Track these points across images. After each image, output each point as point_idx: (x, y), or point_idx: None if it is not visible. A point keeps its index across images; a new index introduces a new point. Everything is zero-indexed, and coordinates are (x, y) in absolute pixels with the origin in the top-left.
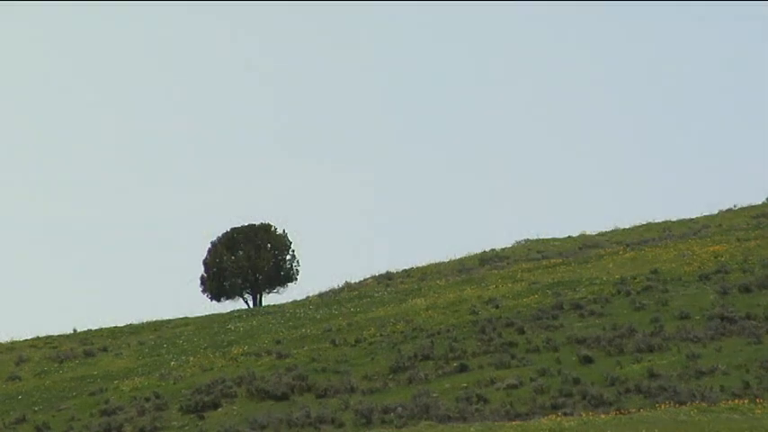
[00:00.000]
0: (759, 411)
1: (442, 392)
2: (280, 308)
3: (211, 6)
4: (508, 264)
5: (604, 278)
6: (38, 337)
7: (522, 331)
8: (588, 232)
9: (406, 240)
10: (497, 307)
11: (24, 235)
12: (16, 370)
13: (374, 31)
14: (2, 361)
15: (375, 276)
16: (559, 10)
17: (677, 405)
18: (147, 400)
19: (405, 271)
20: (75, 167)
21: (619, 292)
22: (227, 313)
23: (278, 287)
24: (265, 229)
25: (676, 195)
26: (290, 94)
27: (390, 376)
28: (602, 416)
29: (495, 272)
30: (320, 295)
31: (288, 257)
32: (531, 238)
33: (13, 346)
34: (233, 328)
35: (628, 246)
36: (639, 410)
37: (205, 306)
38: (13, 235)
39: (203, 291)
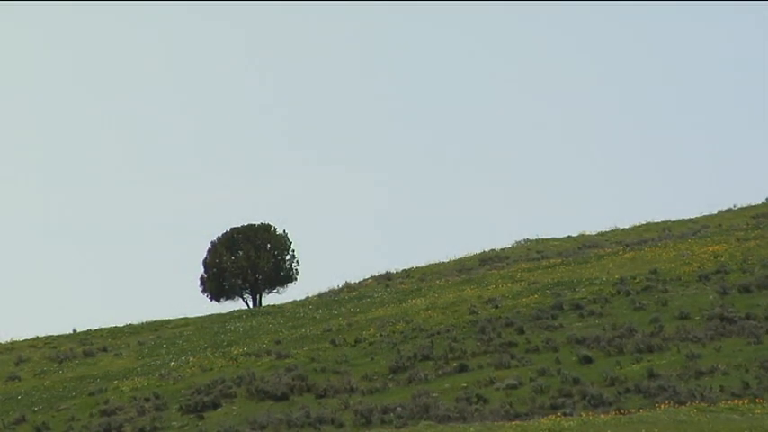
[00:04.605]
0: (759, 411)
1: (441, 392)
2: (279, 308)
3: (213, 6)
4: (508, 264)
5: (604, 278)
6: (37, 337)
7: (521, 331)
8: (588, 232)
9: (405, 240)
10: (497, 307)
11: (24, 235)
12: (16, 370)
13: (375, 32)
14: (2, 361)
15: (375, 276)
16: (560, 10)
17: (677, 405)
18: (147, 400)
19: (404, 271)
20: (75, 167)
21: (618, 293)
22: (227, 313)
23: (278, 287)
24: (265, 229)
25: (676, 195)
26: (291, 94)
27: (390, 376)
28: (602, 416)
29: (495, 272)
30: (320, 295)
31: (288, 257)
32: (530, 238)
33: (12, 346)
34: (233, 328)
35: (627, 246)
36: (639, 410)
37: (205, 306)
38: (13, 235)
39: (203, 291)
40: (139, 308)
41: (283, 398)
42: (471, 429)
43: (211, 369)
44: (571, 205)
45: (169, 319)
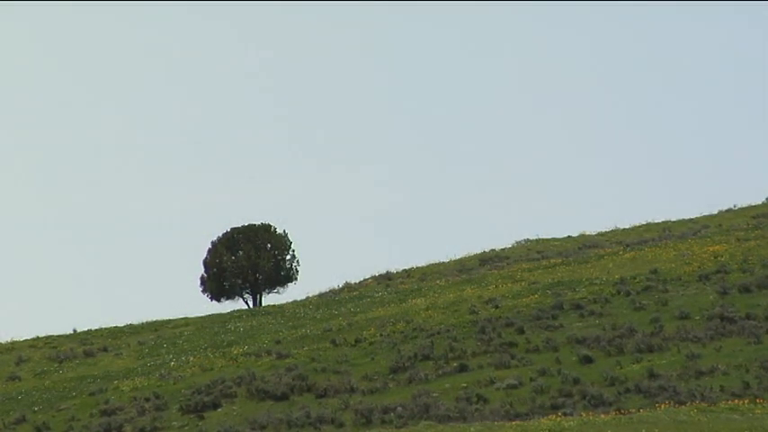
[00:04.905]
0: (759, 411)
1: (441, 392)
2: (280, 308)
3: (213, 6)
4: (508, 264)
5: (604, 278)
6: (38, 337)
7: (521, 331)
8: (588, 232)
9: (405, 240)
10: (497, 307)
11: (24, 235)
12: (16, 370)
13: (375, 31)
14: (2, 361)
15: (375, 276)
16: (560, 10)
17: (677, 405)
18: (147, 400)
19: (405, 271)
20: (75, 167)
21: (618, 293)
22: (227, 313)
23: (278, 287)
24: (265, 229)
25: (676, 195)
26: (291, 94)
27: (390, 376)
28: (602, 416)
29: (495, 272)
30: (320, 295)
31: (288, 257)
32: (530, 238)
33: (12, 346)
34: (233, 328)
35: (627, 246)
36: (639, 410)
37: (205, 306)
38: (13, 235)
39: (203, 291)
40: (139, 308)
41: (283, 398)
42: (471, 429)
43: (211, 369)
44: (571, 205)
45: (169, 319)
